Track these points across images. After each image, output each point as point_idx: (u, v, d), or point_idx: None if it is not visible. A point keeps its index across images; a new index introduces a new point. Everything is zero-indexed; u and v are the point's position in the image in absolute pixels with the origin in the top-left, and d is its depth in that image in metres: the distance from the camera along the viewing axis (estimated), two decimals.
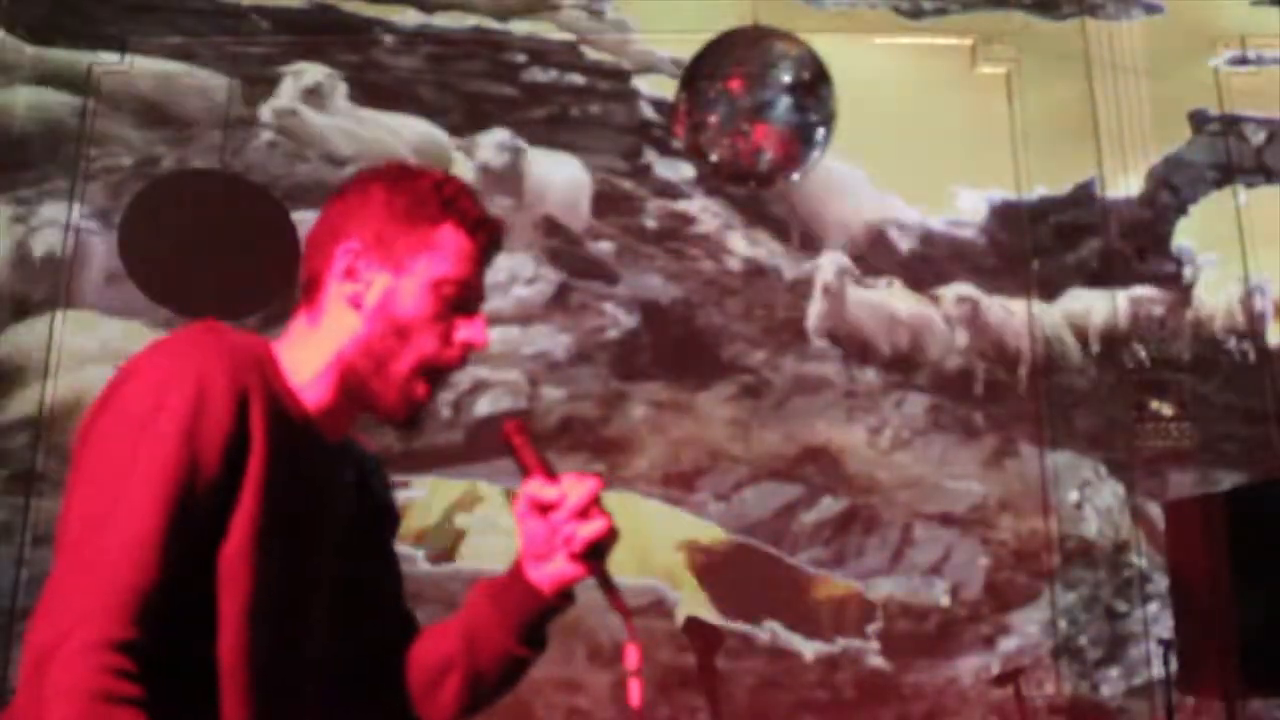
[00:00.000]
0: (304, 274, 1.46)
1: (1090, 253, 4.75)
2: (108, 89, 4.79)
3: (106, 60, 4.82)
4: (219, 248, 3.75)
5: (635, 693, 1.38)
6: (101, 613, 1.19)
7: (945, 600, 4.40)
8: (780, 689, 4.30)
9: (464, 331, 1.44)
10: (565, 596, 1.48)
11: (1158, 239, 4.74)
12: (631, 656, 1.38)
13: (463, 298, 1.44)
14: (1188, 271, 4.71)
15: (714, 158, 3.15)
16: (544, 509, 1.43)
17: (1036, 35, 4.94)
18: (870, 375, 4.62)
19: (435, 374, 1.44)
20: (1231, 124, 4.83)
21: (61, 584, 1.22)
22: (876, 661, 4.33)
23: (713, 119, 3.09)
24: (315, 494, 1.41)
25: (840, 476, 4.53)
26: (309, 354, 1.43)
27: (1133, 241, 4.72)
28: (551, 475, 1.44)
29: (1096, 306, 4.68)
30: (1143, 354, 4.58)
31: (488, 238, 1.47)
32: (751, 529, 4.46)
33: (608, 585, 1.41)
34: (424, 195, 1.44)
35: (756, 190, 3.36)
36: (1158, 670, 3.29)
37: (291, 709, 1.36)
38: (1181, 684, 3.27)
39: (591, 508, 1.42)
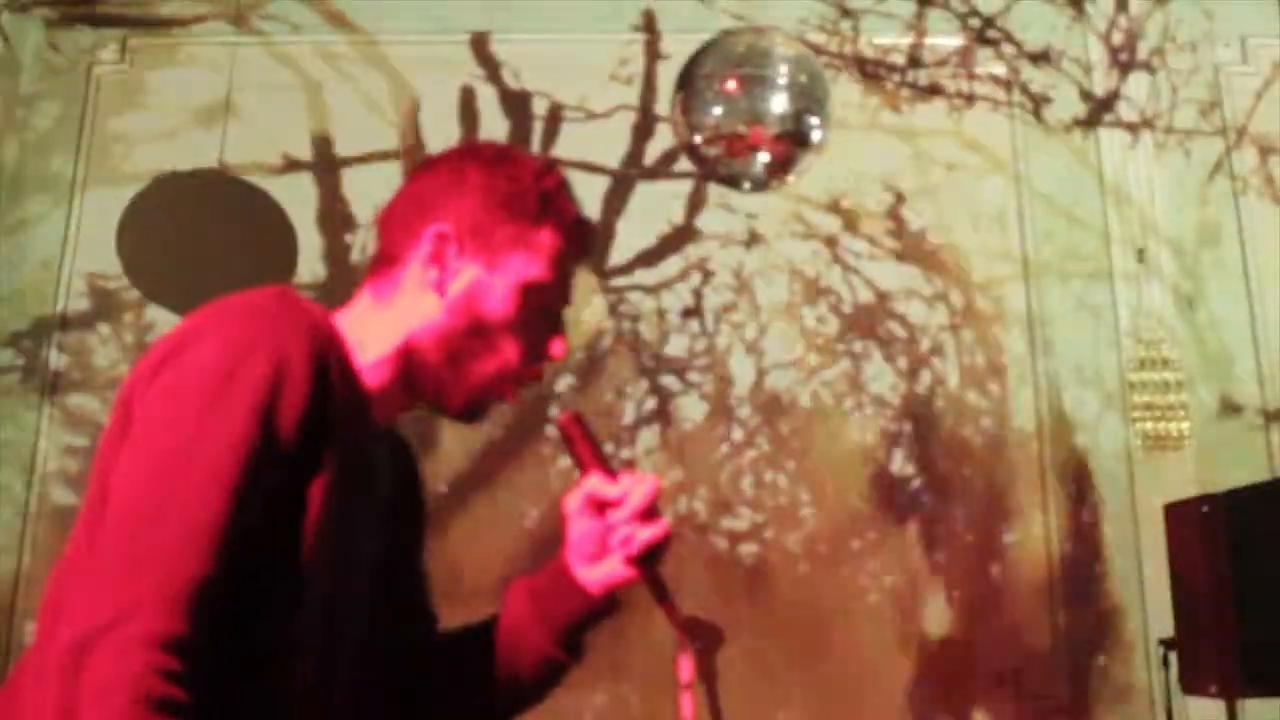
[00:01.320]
0: (381, 248, 1.37)
1: None
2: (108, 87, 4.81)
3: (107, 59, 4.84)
4: (219, 248, 3.75)
5: (687, 707, 1.34)
6: (153, 603, 1.05)
7: None
8: None
9: (545, 343, 1.35)
10: (612, 602, 1.41)
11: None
12: (685, 668, 1.36)
13: (548, 305, 1.36)
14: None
15: (710, 158, 3.16)
16: (601, 507, 1.36)
17: None
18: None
19: (523, 384, 1.37)
20: None
21: (113, 567, 1.07)
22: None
23: (709, 120, 3.09)
24: (369, 479, 1.31)
25: None
26: (377, 332, 1.32)
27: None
28: (610, 472, 1.37)
29: None
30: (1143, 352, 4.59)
31: (583, 242, 1.39)
32: None
33: (662, 591, 1.36)
34: (525, 186, 1.34)
35: (751, 192, 3.35)
36: (1158, 670, 3.28)
37: (335, 699, 1.27)
38: (1181, 684, 3.27)
39: (652, 509, 1.35)
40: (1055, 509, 4.47)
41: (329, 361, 1.20)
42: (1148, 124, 4.82)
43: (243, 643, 1.14)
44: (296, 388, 1.15)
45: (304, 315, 1.22)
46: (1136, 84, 4.86)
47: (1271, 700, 3.23)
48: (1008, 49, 4.92)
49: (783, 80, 3.06)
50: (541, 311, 1.35)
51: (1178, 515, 3.45)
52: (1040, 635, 4.36)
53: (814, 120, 3.08)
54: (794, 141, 3.07)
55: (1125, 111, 4.84)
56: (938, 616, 4.38)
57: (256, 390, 1.13)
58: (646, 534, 1.33)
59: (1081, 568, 4.42)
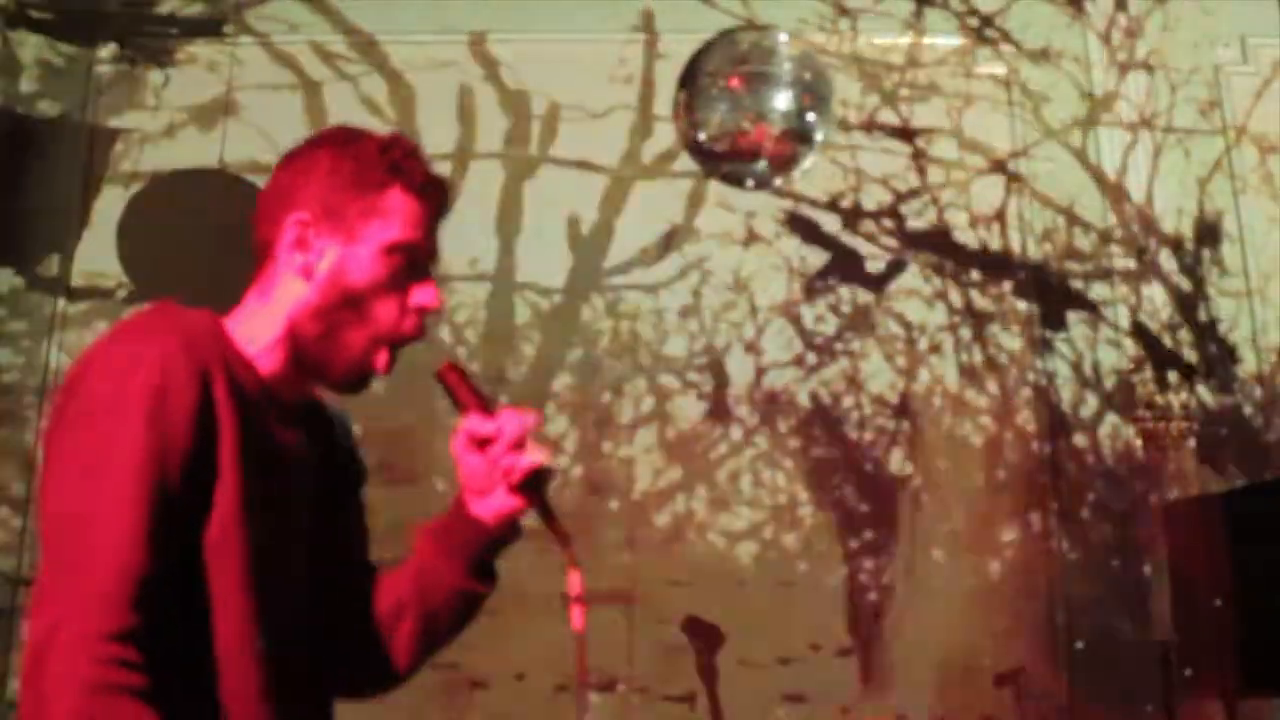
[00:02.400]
0: (256, 239, 1.46)
1: None
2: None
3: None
4: (218, 248, 3.75)
5: (578, 617, 1.42)
6: (93, 601, 1.18)
7: None
8: None
9: (417, 296, 1.43)
10: (512, 529, 1.50)
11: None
12: (574, 582, 1.42)
13: (415, 262, 1.44)
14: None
15: (713, 156, 3.16)
16: (481, 444, 1.45)
17: None
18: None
19: (396, 344, 1.44)
20: None
21: (51, 578, 1.22)
22: None
23: (713, 116, 3.09)
24: (283, 457, 1.41)
25: None
26: (261, 323, 1.42)
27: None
28: (489, 412, 1.46)
29: None
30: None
31: (436, 199, 1.47)
32: None
33: (548, 514, 1.45)
34: (370, 159, 1.43)
35: (755, 190, 3.35)
36: (1157, 670, 3.29)
37: (289, 672, 1.36)
38: (1181, 684, 3.27)
39: (527, 440, 1.44)
40: (1055, 509, 4.47)
41: (211, 359, 1.32)
42: (1147, 124, 4.81)
43: (186, 619, 1.27)
44: (181, 391, 1.28)
45: (181, 323, 1.34)
46: (1136, 83, 4.86)
47: (1272, 700, 3.24)
48: (1007, 49, 4.91)
49: (786, 78, 3.06)
50: (409, 269, 1.43)
51: (1178, 515, 3.46)
52: (1040, 635, 4.36)
53: (817, 118, 3.08)
54: (797, 140, 3.07)
55: (1125, 111, 4.83)
56: (938, 616, 4.38)
57: (147, 397, 1.26)
58: (524, 462, 1.43)
59: (1081, 568, 4.42)
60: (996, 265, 4.74)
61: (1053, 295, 4.69)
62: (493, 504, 1.47)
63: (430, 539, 1.51)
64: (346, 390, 1.46)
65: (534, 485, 1.45)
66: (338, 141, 1.47)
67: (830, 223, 4.75)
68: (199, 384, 1.29)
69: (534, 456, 1.44)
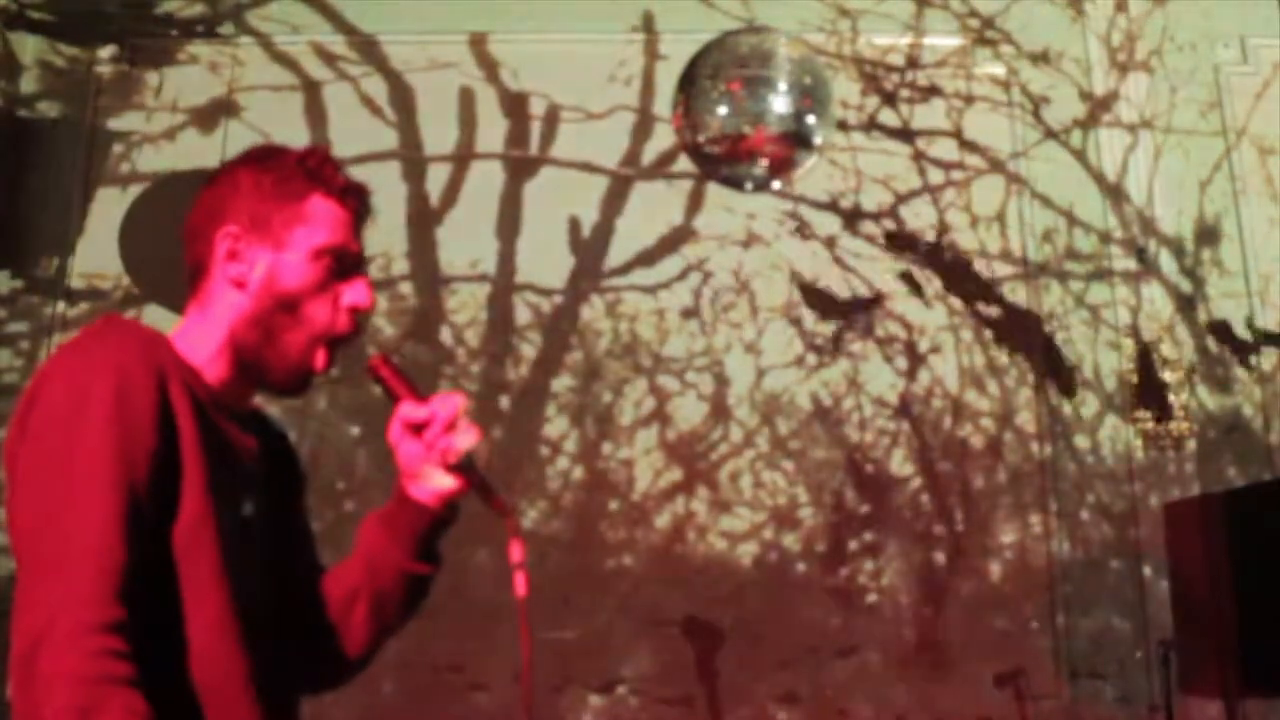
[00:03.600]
0: (189, 261, 1.52)
1: None
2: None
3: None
4: None
5: (521, 583, 1.47)
6: (80, 597, 1.21)
7: None
8: None
9: (349, 295, 1.51)
10: (451, 509, 1.57)
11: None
12: (516, 551, 1.47)
13: (343, 264, 1.51)
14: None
15: (712, 158, 3.15)
16: (417, 429, 1.52)
17: None
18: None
19: (332, 344, 1.51)
20: None
21: (33, 582, 1.25)
22: None
23: (712, 119, 3.09)
24: (240, 458, 1.47)
25: None
26: (202, 336, 1.49)
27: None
28: (420, 399, 1.53)
29: None
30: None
31: (357, 203, 1.54)
32: None
33: (485, 488, 1.52)
34: (289, 170, 1.50)
35: (753, 192, 3.35)
36: (1157, 670, 3.29)
37: (263, 661, 1.41)
38: (1181, 684, 3.27)
39: (460, 421, 1.51)
40: (1055, 509, 4.47)
41: (164, 366, 1.37)
42: (1147, 124, 4.82)
43: (163, 612, 1.31)
44: (141, 392, 1.32)
45: (133, 333, 1.41)
46: (1136, 84, 4.86)
47: (1272, 700, 3.24)
48: (1007, 49, 4.92)
49: (786, 81, 3.06)
50: (337, 270, 1.50)
51: (1178, 515, 3.46)
52: (1040, 635, 4.36)
53: (816, 121, 3.08)
54: (796, 143, 3.07)
55: (1125, 111, 4.83)
56: (939, 616, 4.38)
57: (107, 403, 1.30)
58: (458, 442, 1.50)
59: (1081, 568, 4.42)
60: (996, 266, 4.74)
61: (1053, 295, 4.69)
62: (432, 486, 1.54)
63: (376, 526, 1.58)
64: (290, 392, 1.53)
65: (468, 464, 1.51)
66: (256, 158, 1.53)
67: (830, 224, 4.75)
68: (157, 385, 1.34)
69: (466, 437, 1.50)
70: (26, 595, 1.24)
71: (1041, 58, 4.89)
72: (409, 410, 1.52)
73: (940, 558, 4.45)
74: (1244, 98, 4.85)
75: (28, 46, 4.84)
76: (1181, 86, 4.85)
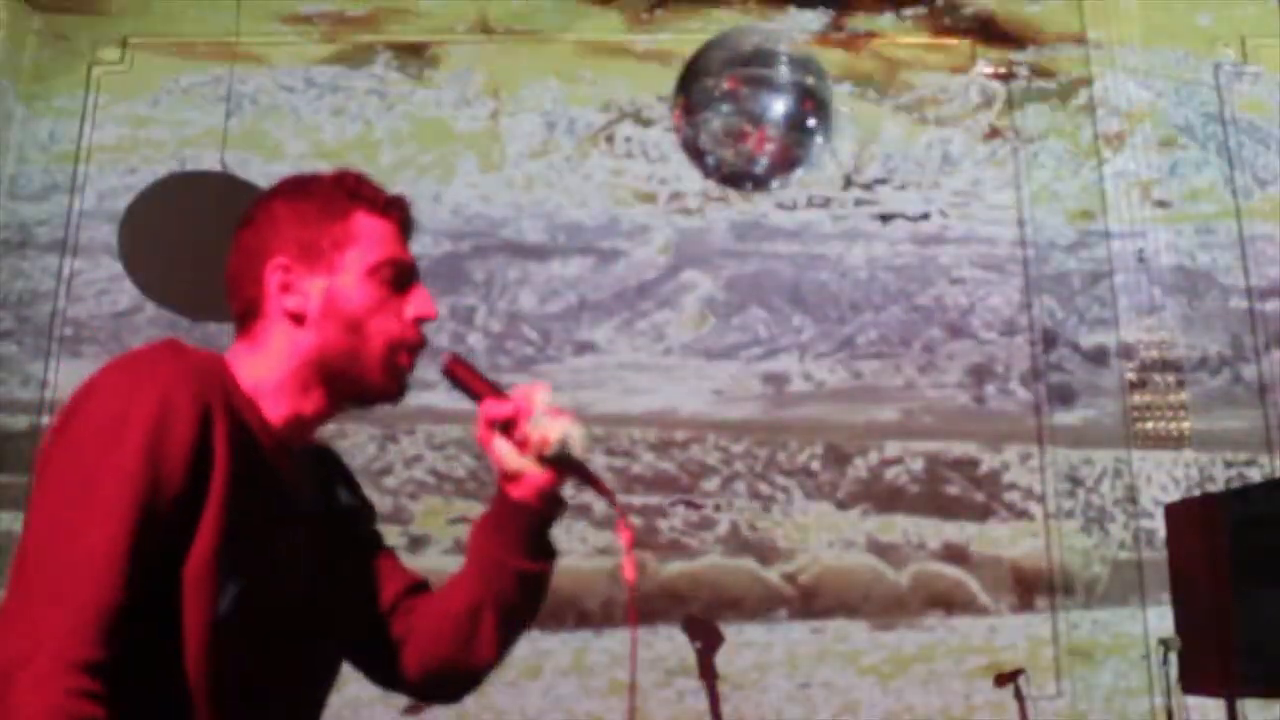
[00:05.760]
0: (238, 306, 1.48)
1: None
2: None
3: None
4: (220, 249, 3.75)
5: (630, 568, 1.43)
6: (66, 633, 1.17)
7: None
8: None
9: (412, 307, 1.47)
10: (556, 502, 1.51)
11: None
12: (625, 535, 1.44)
13: (399, 276, 1.47)
14: None
15: (712, 158, 3.15)
16: (504, 427, 1.47)
17: None
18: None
19: (410, 351, 1.47)
20: None
21: (24, 603, 1.20)
22: None
23: (713, 119, 3.08)
24: (284, 501, 1.41)
25: None
26: (265, 368, 1.44)
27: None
28: (502, 395, 1.48)
29: None
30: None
31: (400, 214, 1.51)
32: None
33: (585, 475, 1.46)
34: (328, 193, 1.47)
35: (754, 192, 3.35)
36: (1158, 670, 3.29)
37: (261, 712, 1.36)
38: (1181, 684, 3.27)
39: (546, 410, 1.46)
40: (1055, 508, 4.47)
41: (213, 399, 1.32)
42: (1146, 123, 4.82)
43: (157, 657, 1.26)
44: (182, 424, 1.28)
45: (187, 361, 1.34)
46: (1136, 83, 4.86)
47: (1271, 700, 3.23)
48: (1007, 49, 4.92)
49: (787, 81, 3.06)
50: (396, 284, 1.47)
51: (1178, 515, 3.45)
52: (1042, 635, 4.36)
53: (817, 123, 3.08)
54: (797, 142, 3.07)
55: (1125, 111, 4.83)
56: (938, 616, 4.38)
57: (145, 430, 1.25)
58: (549, 432, 1.44)
59: (1082, 566, 4.42)
60: (997, 266, 4.74)
61: (1053, 294, 4.69)
62: (530, 483, 1.47)
63: (484, 533, 1.53)
64: (391, 397, 1.48)
65: (564, 453, 1.45)
66: (289, 189, 1.50)
67: (830, 224, 4.75)
68: (199, 421, 1.29)
69: (557, 426, 1.45)
70: (13, 613, 1.20)
71: (1041, 58, 4.90)
72: (492, 408, 1.47)
73: (940, 559, 4.45)
74: (1244, 98, 4.85)
75: (28, 45, 4.84)
76: (1182, 87, 4.85)
